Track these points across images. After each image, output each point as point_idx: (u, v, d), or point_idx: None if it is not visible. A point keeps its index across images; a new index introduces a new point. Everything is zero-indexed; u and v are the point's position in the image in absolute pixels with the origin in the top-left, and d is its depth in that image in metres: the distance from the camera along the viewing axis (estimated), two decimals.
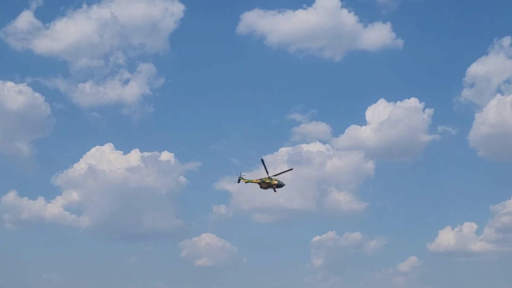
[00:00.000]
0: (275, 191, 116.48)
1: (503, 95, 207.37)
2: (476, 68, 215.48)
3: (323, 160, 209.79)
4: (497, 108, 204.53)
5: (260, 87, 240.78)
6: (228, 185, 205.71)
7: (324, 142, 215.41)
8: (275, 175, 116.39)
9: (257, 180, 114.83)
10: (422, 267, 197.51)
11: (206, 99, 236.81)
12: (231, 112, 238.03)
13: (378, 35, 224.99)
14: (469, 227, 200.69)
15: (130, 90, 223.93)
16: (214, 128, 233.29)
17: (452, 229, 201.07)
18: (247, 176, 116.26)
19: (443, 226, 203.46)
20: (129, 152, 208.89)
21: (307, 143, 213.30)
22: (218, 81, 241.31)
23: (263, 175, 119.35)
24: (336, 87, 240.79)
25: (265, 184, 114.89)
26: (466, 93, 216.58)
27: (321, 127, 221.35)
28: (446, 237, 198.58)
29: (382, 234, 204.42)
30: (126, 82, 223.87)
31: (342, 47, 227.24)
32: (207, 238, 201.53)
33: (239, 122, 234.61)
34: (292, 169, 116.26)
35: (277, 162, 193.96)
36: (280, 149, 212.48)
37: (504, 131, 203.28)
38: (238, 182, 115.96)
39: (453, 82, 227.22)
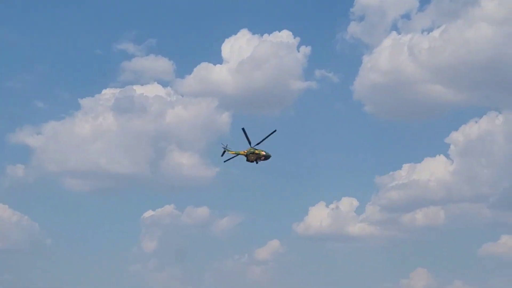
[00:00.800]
0: (256, 163, 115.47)
1: (399, 33, 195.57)
2: None
3: (162, 108, 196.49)
4: (391, 50, 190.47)
5: (77, 5, 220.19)
6: (29, 137, 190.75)
7: (164, 84, 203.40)
8: (258, 144, 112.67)
9: (244, 151, 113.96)
10: (285, 254, 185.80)
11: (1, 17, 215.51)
12: (36, 37, 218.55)
13: None
14: (348, 203, 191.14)
15: None
16: (12, 58, 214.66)
17: (327, 206, 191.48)
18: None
19: (315, 202, 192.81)
20: None
21: (141, 85, 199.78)
22: None
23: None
24: (185, 10, 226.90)
25: (253, 156, 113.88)
26: (354, 28, 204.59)
27: (162, 64, 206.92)
28: (319, 216, 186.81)
29: (236, 211, 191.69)
30: None
31: None
32: None
33: (46, 51, 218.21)
34: (275, 130, 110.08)
35: (98, 109, 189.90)
36: (104, 91, 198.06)
37: (398, 80, 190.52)
38: (222, 155, 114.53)
39: (338, 13, 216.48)
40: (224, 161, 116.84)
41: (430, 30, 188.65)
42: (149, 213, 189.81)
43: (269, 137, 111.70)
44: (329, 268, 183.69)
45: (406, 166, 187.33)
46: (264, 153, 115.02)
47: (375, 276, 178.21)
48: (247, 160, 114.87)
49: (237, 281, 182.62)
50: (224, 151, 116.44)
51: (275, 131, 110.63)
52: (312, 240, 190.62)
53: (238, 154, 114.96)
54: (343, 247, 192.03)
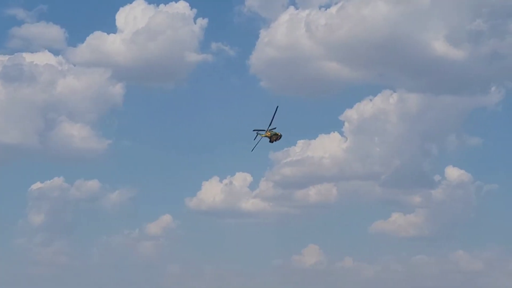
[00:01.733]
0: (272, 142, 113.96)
1: (297, 8, 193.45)
2: None
3: (53, 77, 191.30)
4: (288, 25, 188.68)
5: None
6: None
7: (55, 52, 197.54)
8: (270, 125, 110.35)
9: (269, 133, 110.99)
10: (177, 229, 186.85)
11: None
12: None
13: None
14: (241, 179, 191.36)
15: None
16: None
17: (220, 181, 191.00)
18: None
19: (208, 176, 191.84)
20: None
21: (32, 52, 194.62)
22: None
23: None
24: None
25: (275, 137, 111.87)
26: (252, 1, 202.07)
27: (53, 31, 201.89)
28: (212, 191, 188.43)
29: (128, 185, 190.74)
30: None
31: None
32: None
33: None
34: (278, 106, 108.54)
35: None
36: None
37: (295, 56, 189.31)
38: (256, 138, 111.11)
39: None
40: (252, 150, 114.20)
41: (327, 6, 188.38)
42: (37, 186, 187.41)
43: (275, 115, 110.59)
44: (222, 243, 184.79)
45: (300, 143, 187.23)
46: (281, 134, 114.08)
47: (268, 252, 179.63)
48: (270, 141, 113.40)
49: (127, 256, 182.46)
50: (257, 135, 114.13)
51: (277, 107, 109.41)
52: (205, 215, 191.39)
53: (267, 136, 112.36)
54: (236, 222, 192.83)
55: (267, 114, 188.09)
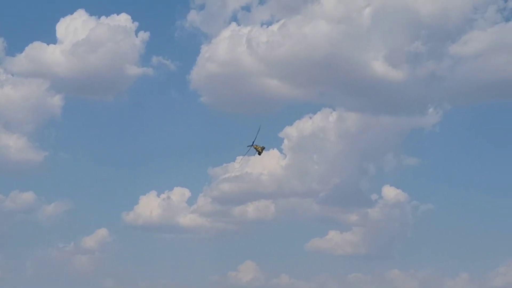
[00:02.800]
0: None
1: (239, 25, 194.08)
2: None
3: None
4: (230, 41, 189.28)
5: None
6: None
7: None
8: (253, 142, 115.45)
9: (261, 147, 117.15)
10: (113, 243, 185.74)
11: None
12: None
13: None
14: (179, 194, 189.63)
15: None
16: None
17: (158, 195, 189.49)
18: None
19: (146, 191, 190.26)
20: None
21: None
22: None
23: None
24: None
25: (261, 149, 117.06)
26: (194, 17, 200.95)
27: None
28: (149, 206, 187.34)
29: (64, 197, 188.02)
30: None
31: None
32: None
33: None
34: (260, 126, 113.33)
35: None
36: None
37: (236, 72, 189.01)
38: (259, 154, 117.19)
39: (178, 0, 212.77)
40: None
41: (269, 24, 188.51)
42: None
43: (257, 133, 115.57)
44: (158, 258, 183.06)
45: (239, 159, 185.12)
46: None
47: (204, 268, 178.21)
48: (259, 154, 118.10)
49: (61, 270, 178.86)
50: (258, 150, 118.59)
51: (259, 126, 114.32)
52: (142, 229, 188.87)
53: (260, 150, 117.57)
54: (173, 237, 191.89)
55: (206, 130, 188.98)
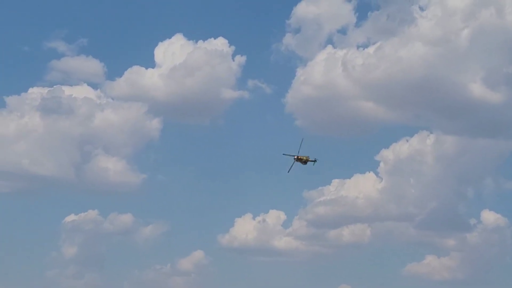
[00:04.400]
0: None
1: (335, 48, 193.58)
2: (305, 9, 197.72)
3: (91, 110, 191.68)
4: (325, 64, 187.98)
5: None
6: None
7: (94, 86, 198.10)
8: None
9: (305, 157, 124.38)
10: (209, 265, 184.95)
11: None
12: None
13: None
14: (275, 217, 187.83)
15: None
16: None
17: (253, 218, 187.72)
18: None
19: (242, 213, 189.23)
20: None
21: (71, 86, 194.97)
22: None
23: None
24: (119, 10, 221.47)
25: (305, 158, 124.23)
26: (289, 40, 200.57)
27: (92, 65, 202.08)
28: (245, 228, 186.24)
29: (161, 219, 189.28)
30: None
31: None
32: None
33: None
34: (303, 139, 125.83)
35: (24, 107, 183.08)
36: (30, 90, 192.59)
37: (331, 95, 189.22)
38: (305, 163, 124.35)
39: (274, 24, 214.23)
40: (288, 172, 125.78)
41: (365, 46, 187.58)
42: (71, 218, 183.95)
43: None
44: (253, 281, 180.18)
45: (335, 182, 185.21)
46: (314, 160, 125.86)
47: None
48: (304, 163, 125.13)
49: None
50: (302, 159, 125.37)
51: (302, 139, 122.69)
52: (237, 252, 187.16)
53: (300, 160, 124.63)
54: (268, 260, 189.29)
55: (302, 153, 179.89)
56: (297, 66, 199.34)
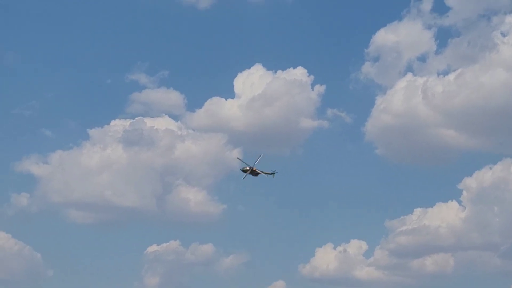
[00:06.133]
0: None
1: (415, 75, 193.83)
2: (384, 37, 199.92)
3: (172, 142, 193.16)
4: (405, 92, 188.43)
5: (90, 33, 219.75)
6: (34, 166, 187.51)
7: (175, 117, 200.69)
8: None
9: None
10: None
11: (10, 41, 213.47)
12: (46, 63, 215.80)
13: None
14: (356, 246, 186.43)
15: None
16: (19, 85, 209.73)
17: (334, 248, 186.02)
18: None
19: (322, 243, 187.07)
20: None
21: (152, 117, 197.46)
22: (30, 17, 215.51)
23: None
24: (198, 42, 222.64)
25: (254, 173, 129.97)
26: (368, 68, 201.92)
27: (173, 97, 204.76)
28: (326, 259, 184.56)
29: (242, 250, 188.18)
30: None
31: None
32: None
33: (55, 78, 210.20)
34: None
35: (107, 140, 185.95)
36: (113, 122, 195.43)
37: (411, 123, 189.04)
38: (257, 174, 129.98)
39: (353, 53, 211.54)
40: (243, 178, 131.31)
41: (445, 73, 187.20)
42: (153, 248, 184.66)
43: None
44: None
45: (417, 211, 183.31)
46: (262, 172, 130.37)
47: None
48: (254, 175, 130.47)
49: None
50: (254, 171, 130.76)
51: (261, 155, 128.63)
52: (318, 282, 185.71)
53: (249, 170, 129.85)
54: None
55: (382, 182, 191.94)
56: (377, 95, 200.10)
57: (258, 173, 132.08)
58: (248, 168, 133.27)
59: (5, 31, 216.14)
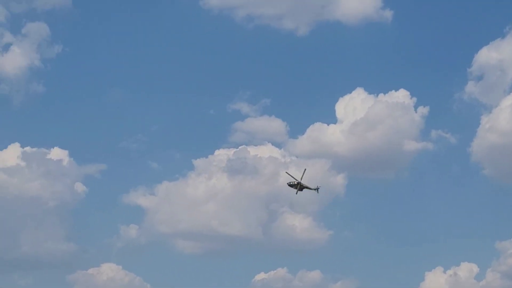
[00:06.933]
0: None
1: None
2: (487, 55, 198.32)
3: (276, 169, 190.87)
4: (511, 110, 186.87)
5: (191, 64, 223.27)
6: (142, 198, 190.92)
7: (278, 145, 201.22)
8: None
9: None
10: None
11: (116, 78, 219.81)
12: (150, 97, 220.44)
13: (358, 3, 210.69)
14: (467, 269, 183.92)
15: (11, 59, 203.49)
16: (126, 119, 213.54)
17: (444, 271, 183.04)
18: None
19: (432, 267, 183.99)
20: (6, 147, 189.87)
21: (255, 146, 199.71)
22: (133, 53, 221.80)
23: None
24: (299, 69, 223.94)
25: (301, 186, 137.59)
26: (472, 88, 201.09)
27: (275, 124, 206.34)
28: (436, 283, 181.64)
29: (350, 275, 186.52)
30: (6, 47, 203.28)
31: (308, 16, 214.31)
32: (109, 271, 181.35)
33: (160, 111, 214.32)
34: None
35: (212, 169, 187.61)
36: (217, 152, 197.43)
37: None
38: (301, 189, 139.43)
39: (456, 73, 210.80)
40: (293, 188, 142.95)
41: None
42: (260, 276, 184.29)
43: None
44: None
45: None
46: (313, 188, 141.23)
47: None
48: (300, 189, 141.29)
49: None
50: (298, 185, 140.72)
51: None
52: None
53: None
54: None
55: (491, 203, 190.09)
56: (482, 114, 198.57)
57: (303, 188, 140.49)
58: (296, 183, 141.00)
59: (111, 67, 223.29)
